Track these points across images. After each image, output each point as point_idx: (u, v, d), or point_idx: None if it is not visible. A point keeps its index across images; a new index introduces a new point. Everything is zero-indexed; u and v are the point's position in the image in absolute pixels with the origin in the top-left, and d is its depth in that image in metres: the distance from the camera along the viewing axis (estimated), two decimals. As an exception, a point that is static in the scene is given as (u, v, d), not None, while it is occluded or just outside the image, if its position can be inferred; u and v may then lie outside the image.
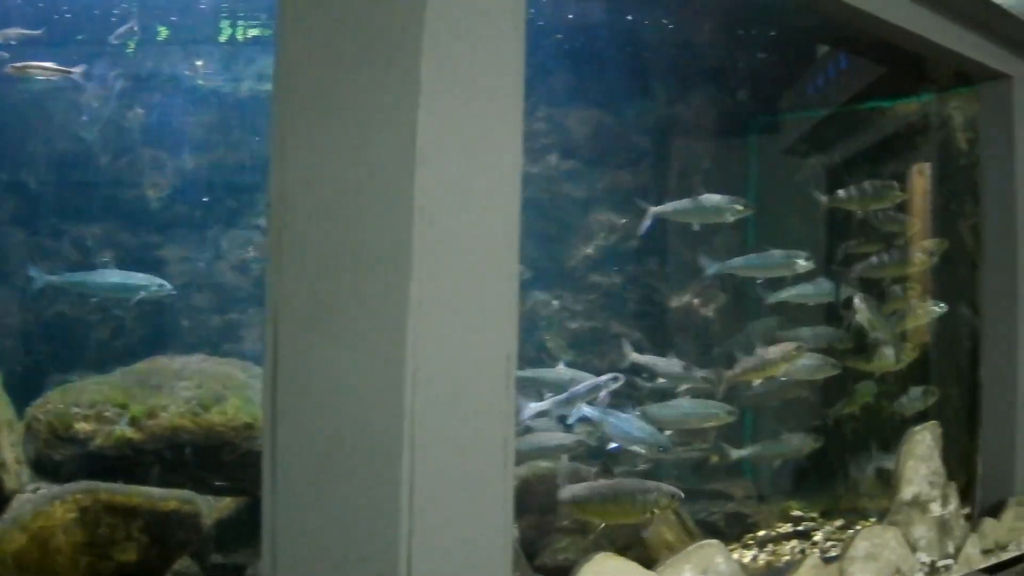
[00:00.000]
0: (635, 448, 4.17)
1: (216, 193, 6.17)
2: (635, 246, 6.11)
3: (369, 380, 2.07)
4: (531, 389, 4.31)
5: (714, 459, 5.04)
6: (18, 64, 5.35)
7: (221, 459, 3.88)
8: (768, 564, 4.54)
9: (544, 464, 4.05)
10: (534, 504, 3.96)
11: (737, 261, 4.91)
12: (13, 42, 5.52)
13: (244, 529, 3.91)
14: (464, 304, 2.16)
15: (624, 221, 6.07)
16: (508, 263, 2.25)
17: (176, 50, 6.17)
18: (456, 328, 2.14)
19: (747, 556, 4.64)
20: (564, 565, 3.71)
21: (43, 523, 3.46)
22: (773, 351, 4.52)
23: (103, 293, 5.41)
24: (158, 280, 5.16)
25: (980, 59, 4.23)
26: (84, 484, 3.59)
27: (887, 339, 4.96)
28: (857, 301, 4.88)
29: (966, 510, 4.21)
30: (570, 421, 4.13)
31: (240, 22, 6.18)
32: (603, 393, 4.13)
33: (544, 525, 4.01)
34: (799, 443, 5.06)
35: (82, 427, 3.88)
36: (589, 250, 6.19)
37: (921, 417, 4.78)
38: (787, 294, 4.93)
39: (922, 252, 5.04)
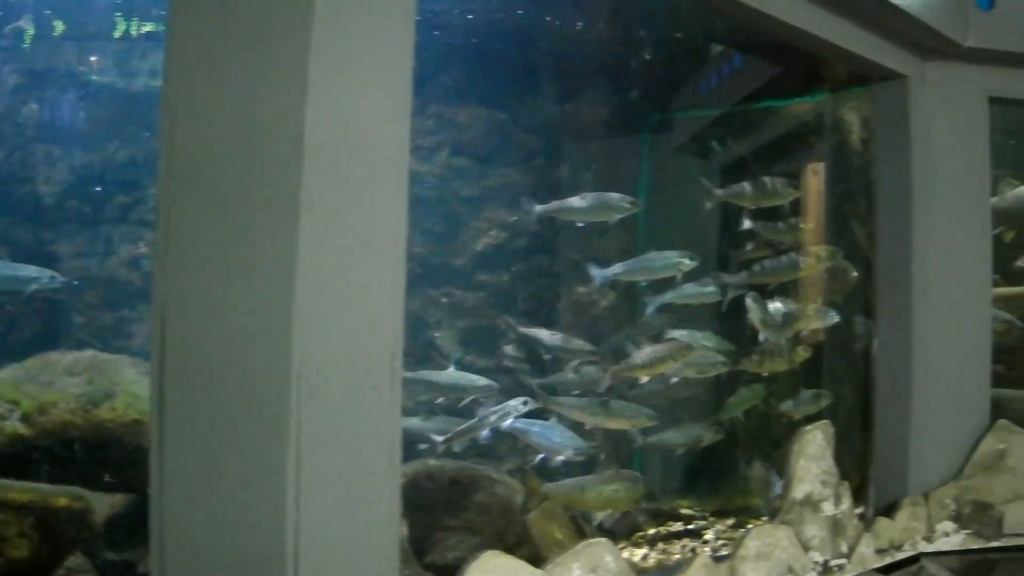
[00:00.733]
0: (560, 456, 4.21)
1: (109, 188, 6.04)
2: (525, 244, 6.09)
3: (255, 378, 2.08)
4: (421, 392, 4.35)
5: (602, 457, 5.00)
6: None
7: (111, 456, 3.89)
8: (659, 563, 4.51)
9: (432, 462, 4.06)
10: (423, 502, 3.96)
11: (620, 267, 4.89)
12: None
13: (135, 526, 3.83)
14: (349, 300, 2.17)
15: (514, 219, 6.05)
16: (394, 260, 2.27)
17: (71, 45, 6.02)
18: (341, 325, 2.15)
19: (637, 555, 4.60)
20: (453, 563, 3.68)
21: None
22: (661, 348, 4.48)
23: (-6, 286, 5.23)
24: (49, 272, 5.00)
25: (876, 59, 4.24)
26: (-26, 480, 3.49)
27: (778, 339, 4.97)
28: (749, 301, 4.87)
29: (860, 510, 4.22)
30: (483, 439, 4.18)
31: (134, 18, 6.03)
32: (509, 420, 4.17)
33: (433, 523, 4.01)
34: (699, 433, 5.05)
35: (-28, 422, 3.78)
36: (479, 248, 6.14)
37: (813, 419, 4.77)
38: (671, 295, 4.91)
39: (814, 259, 5.07)
